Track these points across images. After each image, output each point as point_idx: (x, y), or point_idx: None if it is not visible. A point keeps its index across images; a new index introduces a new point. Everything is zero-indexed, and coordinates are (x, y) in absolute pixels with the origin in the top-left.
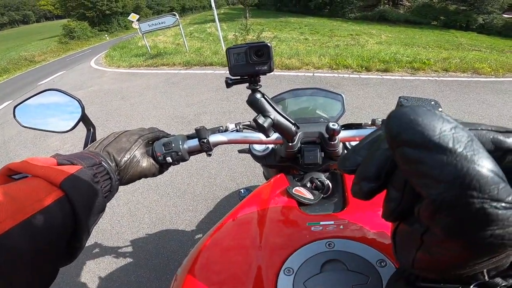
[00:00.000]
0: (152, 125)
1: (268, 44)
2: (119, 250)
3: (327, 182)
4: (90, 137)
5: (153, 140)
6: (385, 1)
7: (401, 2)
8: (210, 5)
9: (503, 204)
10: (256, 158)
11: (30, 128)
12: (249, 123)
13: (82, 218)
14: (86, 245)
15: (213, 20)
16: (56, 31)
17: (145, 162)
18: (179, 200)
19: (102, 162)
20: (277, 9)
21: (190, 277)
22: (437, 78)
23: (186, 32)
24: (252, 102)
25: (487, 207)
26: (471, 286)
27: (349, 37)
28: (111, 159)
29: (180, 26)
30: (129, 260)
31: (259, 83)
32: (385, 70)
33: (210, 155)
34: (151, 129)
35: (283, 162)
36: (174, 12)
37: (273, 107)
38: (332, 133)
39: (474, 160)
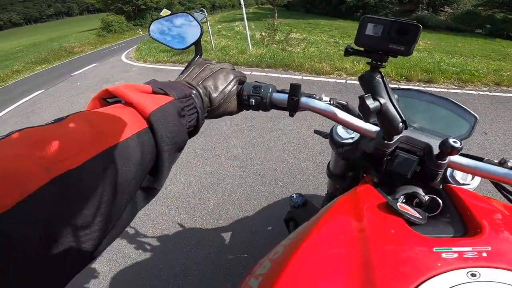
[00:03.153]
0: None
1: (419, 25)
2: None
3: (432, 197)
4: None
5: (242, 82)
6: (424, 7)
7: (442, 9)
8: (239, 4)
9: None
10: (334, 144)
11: (155, 39)
12: (345, 103)
13: (165, 154)
14: None
15: (242, 19)
16: (96, 24)
17: (233, 104)
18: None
19: (192, 95)
20: (306, 11)
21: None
22: (488, 93)
23: (214, 30)
24: (366, 80)
25: None
26: None
27: None
28: (207, 94)
29: (208, 23)
30: None
31: (384, 63)
32: (428, 81)
33: (292, 115)
34: (242, 73)
35: (363, 160)
36: (202, 9)
37: (388, 94)
38: (450, 151)
39: None
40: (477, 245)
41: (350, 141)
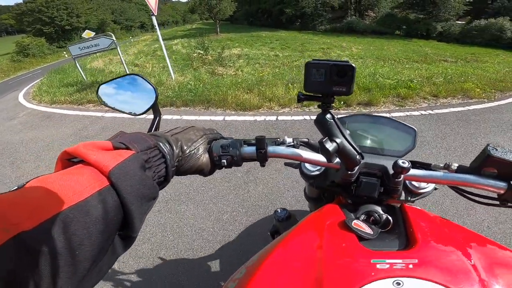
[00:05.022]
0: None
1: (353, 65)
2: None
3: (386, 216)
4: (155, 124)
5: (212, 140)
6: (352, 13)
7: (366, 13)
8: (183, 20)
9: None
10: (305, 176)
11: (109, 107)
12: (306, 140)
13: (132, 208)
14: None
15: (182, 36)
16: (13, 47)
17: (205, 158)
18: None
19: (158, 145)
20: (249, 23)
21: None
22: (430, 112)
23: (150, 50)
24: (321, 123)
25: None
26: None
27: (320, 51)
28: (178, 146)
29: (118, 50)
30: None
31: (332, 104)
32: (368, 103)
33: (263, 165)
34: (211, 130)
35: (334, 187)
36: (110, 33)
37: (341, 132)
38: (400, 171)
39: None
40: (407, 258)
41: (319, 172)
